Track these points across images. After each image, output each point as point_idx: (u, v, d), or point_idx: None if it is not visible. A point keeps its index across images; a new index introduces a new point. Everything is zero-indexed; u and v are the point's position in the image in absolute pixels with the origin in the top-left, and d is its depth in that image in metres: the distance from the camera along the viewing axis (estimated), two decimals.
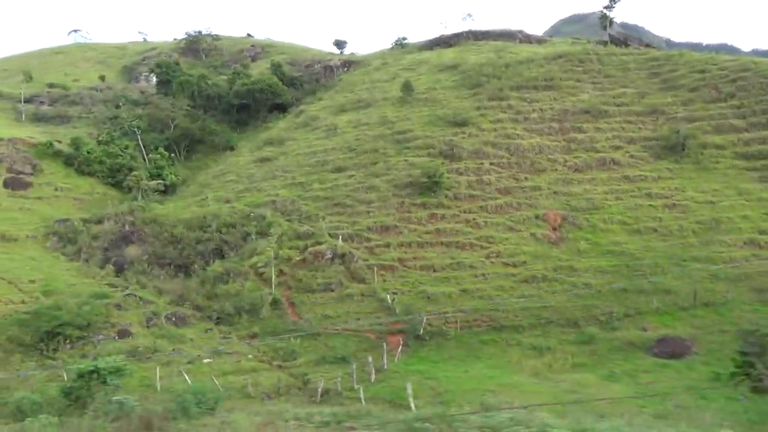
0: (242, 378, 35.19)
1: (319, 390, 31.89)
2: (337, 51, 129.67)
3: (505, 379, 33.27)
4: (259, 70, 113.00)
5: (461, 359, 37.74)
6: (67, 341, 39.53)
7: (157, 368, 33.94)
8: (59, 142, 79.81)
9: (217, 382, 31.37)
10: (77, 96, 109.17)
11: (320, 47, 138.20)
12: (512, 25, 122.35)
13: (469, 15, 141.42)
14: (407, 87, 79.68)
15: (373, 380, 33.92)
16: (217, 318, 46.20)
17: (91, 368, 15.08)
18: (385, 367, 35.67)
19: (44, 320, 39.11)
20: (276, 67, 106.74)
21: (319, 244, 51.76)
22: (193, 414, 12.64)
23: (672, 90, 73.66)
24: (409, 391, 26.19)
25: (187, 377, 32.55)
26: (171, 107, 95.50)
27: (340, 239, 51.60)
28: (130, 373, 33.00)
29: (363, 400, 28.37)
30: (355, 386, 32.37)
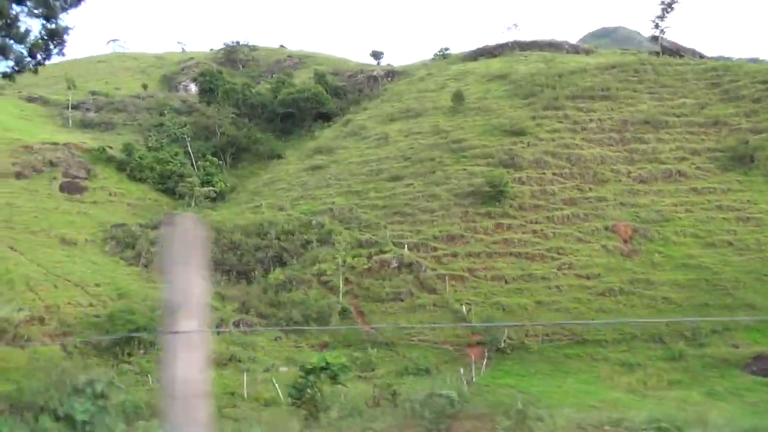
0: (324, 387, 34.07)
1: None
2: (374, 62, 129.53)
3: (602, 395, 31.75)
4: (299, 80, 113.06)
5: (547, 373, 36.31)
6: (141, 346, 38.85)
7: (244, 375, 33.00)
8: (110, 147, 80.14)
9: (278, 389, 30.27)
10: (121, 103, 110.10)
11: (355, 58, 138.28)
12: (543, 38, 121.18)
13: (515, 25, 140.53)
14: (458, 96, 78.81)
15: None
16: (284, 326, 45.28)
17: (323, 363, 13.86)
18: (473, 380, 34.35)
19: (119, 324, 38.49)
20: (320, 77, 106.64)
21: (383, 252, 50.78)
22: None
23: (734, 101, 71.75)
24: (520, 406, 24.84)
25: (277, 385, 31.57)
26: (217, 115, 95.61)
27: (405, 248, 50.56)
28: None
29: None
30: None
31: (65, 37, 15.94)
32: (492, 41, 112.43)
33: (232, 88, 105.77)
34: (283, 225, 57.48)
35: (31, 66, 15.27)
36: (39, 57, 15.64)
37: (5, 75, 15.21)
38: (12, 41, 14.63)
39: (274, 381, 32.70)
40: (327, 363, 13.52)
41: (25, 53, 14.98)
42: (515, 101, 76.98)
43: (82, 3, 15.56)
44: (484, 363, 36.88)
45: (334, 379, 13.68)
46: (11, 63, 14.94)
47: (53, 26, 15.41)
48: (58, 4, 14.88)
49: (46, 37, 15.62)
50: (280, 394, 31.79)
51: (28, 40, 14.87)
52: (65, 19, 15.62)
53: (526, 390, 32.94)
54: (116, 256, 56.52)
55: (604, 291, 45.04)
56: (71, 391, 7.28)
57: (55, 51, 15.90)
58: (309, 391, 12.65)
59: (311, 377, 13.09)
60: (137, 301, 42.65)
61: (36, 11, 14.89)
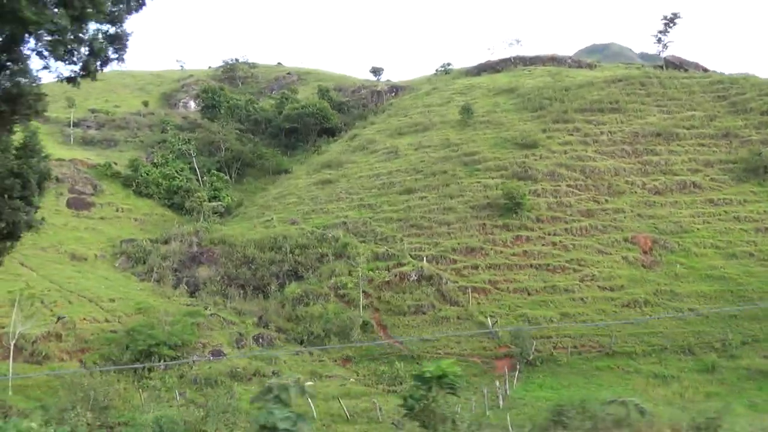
0: (356, 402, 33.17)
1: (457, 416, 29.77)
2: (374, 78, 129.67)
3: None
4: (302, 96, 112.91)
5: (580, 386, 35.54)
6: (161, 361, 37.79)
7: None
8: (115, 164, 79.33)
9: (343, 405, 29.44)
10: (123, 120, 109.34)
11: (353, 75, 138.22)
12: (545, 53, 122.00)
13: (517, 41, 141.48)
14: (467, 110, 78.63)
15: (501, 407, 31.78)
16: (302, 340, 44.39)
17: (439, 373, 12.95)
18: (507, 392, 33.52)
19: (140, 339, 37.50)
20: (323, 92, 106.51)
21: (402, 265, 50.05)
22: None
23: (742, 113, 71.86)
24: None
25: (310, 400, 30.61)
26: (221, 131, 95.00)
27: (424, 260, 49.84)
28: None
29: (510, 427, 26.23)
30: (486, 413, 30.26)
31: (126, 42, 15.28)
32: (494, 57, 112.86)
33: (236, 104, 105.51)
34: (297, 239, 56.65)
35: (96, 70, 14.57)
36: (99, 63, 14.97)
37: (70, 79, 14.49)
38: (80, 45, 13.97)
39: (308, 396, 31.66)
40: (443, 372, 12.75)
41: (92, 57, 14.27)
42: (524, 114, 76.86)
43: (144, 7, 14.91)
44: (516, 376, 36.00)
45: (452, 390, 12.89)
46: (77, 67, 14.25)
47: (117, 31, 14.75)
48: (122, 7, 14.25)
49: (107, 42, 14.95)
50: (313, 409, 30.91)
51: (96, 43, 14.18)
52: (126, 24, 14.95)
53: (563, 402, 32.11)
54: (127, 271, 55.52)
55: (629, 302, 44.43)
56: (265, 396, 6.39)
57: (115, 57, 15.20)
58: (425, 402, 11.87)
59: (427, 387, 12.29)
60: (156, 316, 41.64)
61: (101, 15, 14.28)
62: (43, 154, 19.70)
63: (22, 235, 17.36)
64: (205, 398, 31.69)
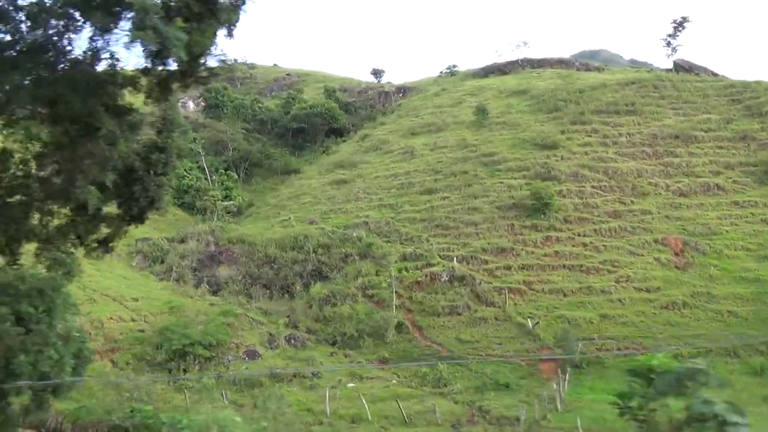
0: (406, 404, 32.01)
1: (522, 419, 28.79)
2: (374, 80, 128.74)
3: None
4: (304, 96, 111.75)
5: None
6: (196, 361, 36.44)
7: (326, 391, 30.81)
8: None
9: (401, 407, 28.32)
10: None
11: (352, 76, 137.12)
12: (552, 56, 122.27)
13: (525, 43, 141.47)
14: (481, 111, 77.96)
15: (560, 410, 30.83)
16: (334, 340, 43.22)
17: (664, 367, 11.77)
18: (562, 395, 32.58)
19: (174, 339, 36.11)
20: (330, 93, 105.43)
21: (431, 265, 49.04)
22: None
23: (758, 117, 71.76)
24: None
25: (365, 403, 29.50)
26: (228, 130, 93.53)
27: (454, 261, 48.86)
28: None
29: (581, 429, 25.35)
30: (547, 416, 29.30)
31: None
32: (501, 59, 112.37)
33: (241, 103, 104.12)
34: (318, 239, 55.43)
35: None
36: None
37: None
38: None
39: (361, 396, 30.56)
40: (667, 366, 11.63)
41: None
42: (539, 116, 76.30)
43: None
44: (567, 379, 35.04)
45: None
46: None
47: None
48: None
49: None
50: (368, 410, 29.78)
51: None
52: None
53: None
54: (145, 270, 54.01)
55: (667, 304, 43.73)
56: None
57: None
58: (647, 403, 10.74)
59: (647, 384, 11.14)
60: (186, 315, 40.27)
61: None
62: (183, 128, 18.45)
63: (148, 217, 16.23)
64: (253, 399, 30.45)
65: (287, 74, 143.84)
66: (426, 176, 65.86)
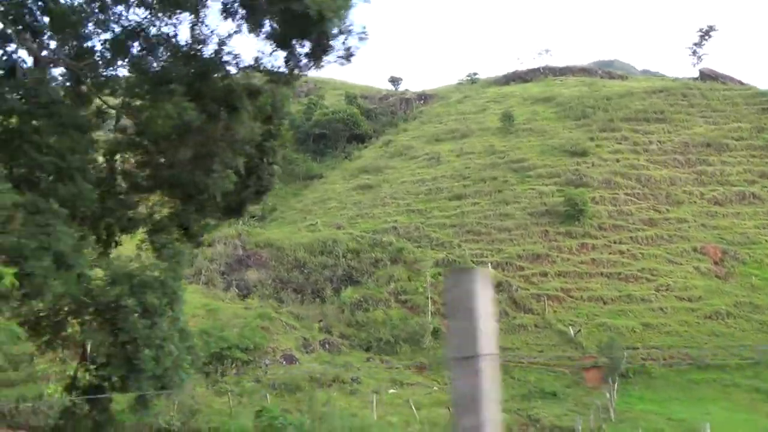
0: (448, 411, 31.16)
1: (579, 428, 27.85)
2: (392, 87, 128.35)
3: (764, 424, 29.17)
4: (328, 102, 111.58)
5: (681, 400, 33.66)
6: (233, 364, 35.74)
7: (372, 396, 29.95)
8: None
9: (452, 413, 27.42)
10: None
11: (369, 84, 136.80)
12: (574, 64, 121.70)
13: (547, 51, 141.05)
14: (507, 117, 77.30)
15: (613, 419, 29.85)
16: (369, 346, 42.45)
17: None
18: (613, 405, 31.59)
19: (212, 341, 35.45)
20: (351, 99, 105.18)
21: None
22: None
23: None
24: None
25: (415, 411, 28.68)
26: None
27: (489, 267, 47.95)
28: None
29: None
30: (603, 426, 28.35)
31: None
32: (523, 67, 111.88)
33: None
34: (347, 243, 54.77)
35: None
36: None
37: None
38: None
39: (410, 402, 29.73)
40: None
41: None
42: (567, 123, 75.51)
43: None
44: (615, 388, 34.02)
45: None
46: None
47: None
48: None
49: None
50: (416, 416, 28.96)
51: None
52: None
53: (676, 417, 30.32)
54: None
55: (711, 314, 42.67)
56: None
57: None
58: None
59: None
60: (220, 318, 39.65)
61: None
62: (291, 117, 17.83)
63: (246, 210, 15.76)
64: (296, 403, 29.68)
65: (305, 81, 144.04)
66: (454, 182, 65.14)
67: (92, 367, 16.16)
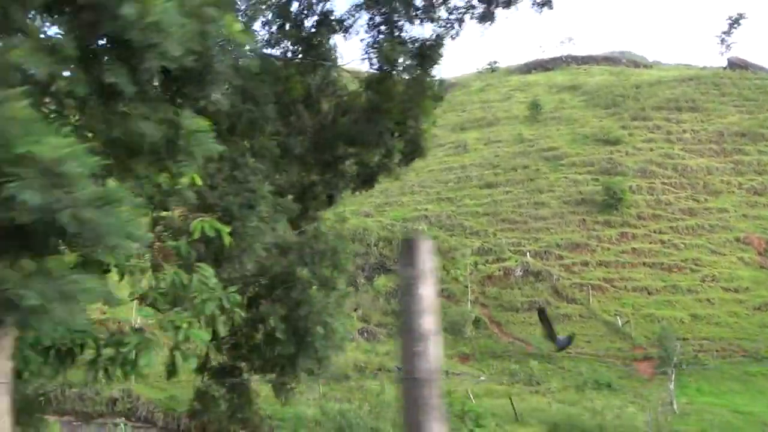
0: (503, 402, 30.07)
1: (649, 421, 26.75)
2: None
3: None
4: None
5: (741, 392, 32.53)
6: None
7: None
8: None
9: (513, 404, 26.45)
10: None
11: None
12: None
13: (570, 39, 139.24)
14: (535, 106, 75.95)
15: (678, 413, 28.76)
16: None
17: None
18: (673, 398, 30.48)
19: None
20: None
21: (501, 260, 47.13)
22: None
23: None
24: None
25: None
26: None
27: (528, 256, 46.90)
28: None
29: None
30: (669, 419, 27.28)
31: None
32: (545, 55, 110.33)
33: None
34: (378, 231, 53.75)
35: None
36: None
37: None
38: None
39: (469, 392, 28.72)
40: None
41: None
42: (597, 111, 74.08)
43: None
44: (672, 381, 32.89)
45: None
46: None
47: None
48: None
49: None
50: (475, 406, 27.90)
51: None
52: None
53: (743, 410, 29.20)
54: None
55: (760, 305, 41.46)
56: None
57: None
58: None
59: None
60: None
61: None
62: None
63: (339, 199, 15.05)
64: (348, 393, 28.76)
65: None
66: (484, 170, 63.95)
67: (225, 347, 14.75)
